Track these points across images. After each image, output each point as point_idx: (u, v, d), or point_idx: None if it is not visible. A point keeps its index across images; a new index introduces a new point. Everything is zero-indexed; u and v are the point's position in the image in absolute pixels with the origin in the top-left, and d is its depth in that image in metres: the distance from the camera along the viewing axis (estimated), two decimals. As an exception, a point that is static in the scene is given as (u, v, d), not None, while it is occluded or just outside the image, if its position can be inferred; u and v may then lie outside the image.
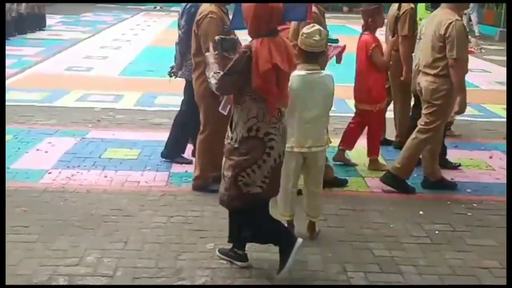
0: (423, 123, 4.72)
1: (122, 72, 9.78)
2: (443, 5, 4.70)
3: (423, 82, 4.70)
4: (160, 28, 16.42)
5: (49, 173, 4.97)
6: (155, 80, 8.89)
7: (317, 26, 3.79)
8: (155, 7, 22.35)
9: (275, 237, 3.50)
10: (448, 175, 5.20)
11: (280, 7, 3.29)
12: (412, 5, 5.62)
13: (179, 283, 3.35)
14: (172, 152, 5.31)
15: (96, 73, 9.68)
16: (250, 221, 3.47)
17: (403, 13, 5.54)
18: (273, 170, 3.41)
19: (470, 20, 15.76)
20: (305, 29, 3.77)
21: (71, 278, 3.34)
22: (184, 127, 5.24)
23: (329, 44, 5.25)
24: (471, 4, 15.38)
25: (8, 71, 9.33)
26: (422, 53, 4.77)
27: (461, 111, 4.71)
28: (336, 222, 4.19)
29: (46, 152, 5.47)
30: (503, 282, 3.46)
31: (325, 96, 3.80)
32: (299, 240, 3.41)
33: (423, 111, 4.75)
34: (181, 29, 5.00)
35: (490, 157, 5.83)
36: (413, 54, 5.22)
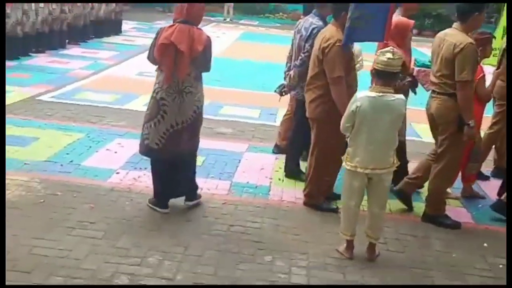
0: None
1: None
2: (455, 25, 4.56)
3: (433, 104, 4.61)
4: (228, 40, 16.71)
5: (117, 173, 5.15)
6: (222, 90, 9.08)
7: (389, 47, 3.78)
8: (225, 19, 22.80)
9: (158, 192, 4.39)
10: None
11: (193, 6, 4.21)
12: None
13: (236, 292, 3.39)
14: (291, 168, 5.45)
15: (165, 79, 9.93)
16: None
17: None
18: (170, 135, 4.20)
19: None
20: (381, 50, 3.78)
21: (133, 278, 3.45)
22: (292, 145, 5.51)
23: (419, 67, 5.28)
24: None
25: (84, 72, 9.79)
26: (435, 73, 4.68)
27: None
28: (397, 247, 4.13)
29: (116, 152, 5.67)
30: None
31: (393, 120, 3.77)
32: (165, 211, 4.32)
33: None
34: (304, 52, 5.11)
35: None
36: None
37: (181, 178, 4.41)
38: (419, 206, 4.92)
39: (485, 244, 4.34)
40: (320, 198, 4.73)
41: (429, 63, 5.70)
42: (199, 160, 5.64)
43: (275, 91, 5.64)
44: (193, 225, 4.23)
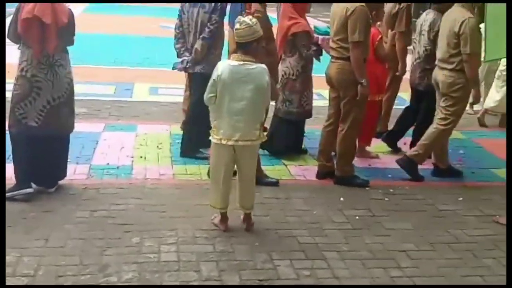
0: (442, 116, 4.99)
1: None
2: (457, 3, 4.94)
3: (440, 76, 4.97)
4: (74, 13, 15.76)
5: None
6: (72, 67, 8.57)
7: (241, 18, 3.79)
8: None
9: (21, 173, 4.24)
10: (366, 162, 5.45)
11: None
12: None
13: (105, 279, 3.28)
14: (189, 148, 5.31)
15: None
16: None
17: (401, 9, 5.85)
18: (48, 111, 4.16)
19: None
20: None
21: (-11, 280, 3.19)
22: (193, 123, 5.28)
23: (318, 35, 5.41)
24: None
25: None
26: (438, 49, 5.06)
27: (476, 102, 5.23)
28: (262, 211, 4.26)
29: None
30: (419, 264, 3.68)
31: (255, 89, 3.75)
32: (29, 190, 4.18)
33: (441, 104, 5.03)
34: (213, 23, 5.04)
35: (404, 144, 6.11)
36: (410, 48, 5.63)
37: (50, 161, 4.31)
38: (278, 169, 5.11)
39: (342, 199, 4.63)
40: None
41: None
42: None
43: (174, 68, 5.30)
44: (52, 216, 4.00)
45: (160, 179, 4.81)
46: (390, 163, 5.48)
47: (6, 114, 4.38)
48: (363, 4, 4.65)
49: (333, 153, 5.14)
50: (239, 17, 3.85)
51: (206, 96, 3.82)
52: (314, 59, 5.36)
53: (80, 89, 7.36)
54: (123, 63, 9.54)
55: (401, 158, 5.22)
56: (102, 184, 4.61)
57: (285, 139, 5.46)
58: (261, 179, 4.59)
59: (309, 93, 5.44)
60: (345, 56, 4.68)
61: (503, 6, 4.26)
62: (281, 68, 5.26)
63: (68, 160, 4.92)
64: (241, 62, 3.72)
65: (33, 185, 4.30)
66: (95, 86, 7.75)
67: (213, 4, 5.07)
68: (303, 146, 5.68)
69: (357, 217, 4.32)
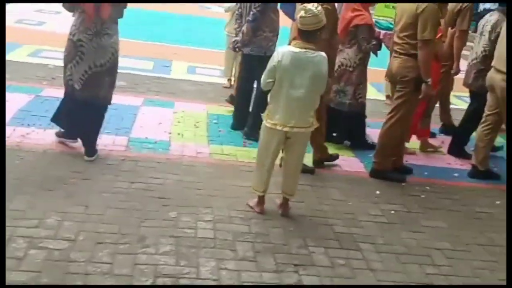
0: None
1: (76, 29, 9.42)
2: None
3: (498, 80, 4.87)
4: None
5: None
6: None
7: (307, 5, 3.72)
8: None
9: (65, 127, 4.60)
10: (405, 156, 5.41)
11: None
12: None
13: (143, 250, 3.32)
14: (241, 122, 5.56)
15: (49, 28, 9.29)
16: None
17: (465, 7, 5.71)
18: (89, 76, 4.30)
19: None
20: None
21: (32, 241, 3.25)
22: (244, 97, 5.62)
23: (379, 29, 5.37)
24: None
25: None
26: (497, 51, 4.96)
27: None
28: (297, 197, 4.23)
29: (-1, 107, 5.24)
30: (454, 263, 3.65)
31: (314, 77, 3.72)
32: (74, 143, 4.56)
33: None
34: (256, 7, 5.13)
35: (442, 142, 6.04)
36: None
37: (86, 126, 4.52)
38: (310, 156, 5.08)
39: (378, 192, 4.60)
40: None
41: (392, 26, 5.90)
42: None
43: (228, 47, 5.65)
44: (92, 184, 4.05)
45: (197, 157, 4.83)
46: (426, 161, 5.43)
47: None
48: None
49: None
50: (305, 4, 3.77)
51: (264, 80, 3.79)
52: (371, 53, 5.33)
53: (120, 63, 7.49)
54: (161, 39, 9.57)
55: (471, 171, 5.23)
56: (140, 157, 4.65)
57: (338, 130, 5.48)
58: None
59: (364, 86, 5.43)
60: (409, 52, 4.61)
61: None
62: (338, 58, 5.22)
63: (108, 131, 5.02)
64: (303, 50, 3.68)
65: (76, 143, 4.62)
66: (133, 60, 7.78)
67: None
68: (370, 141, 5.63)
69: (392, 212, 4.29)
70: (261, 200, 3.98)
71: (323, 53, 3.77)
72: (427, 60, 4.56)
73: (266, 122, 3.82)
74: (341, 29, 5.18)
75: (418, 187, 4.83)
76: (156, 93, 6.48)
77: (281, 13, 5.54)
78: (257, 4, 5.16)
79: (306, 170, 4.72)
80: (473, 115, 5.54)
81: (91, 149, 4.48)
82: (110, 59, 4.36)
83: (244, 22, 5.30)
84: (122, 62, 7.31)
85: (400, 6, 4.78)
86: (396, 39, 4.77)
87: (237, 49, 5.45)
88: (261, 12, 5.16)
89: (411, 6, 4.55)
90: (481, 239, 4.06)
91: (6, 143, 4.50)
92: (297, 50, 3.68)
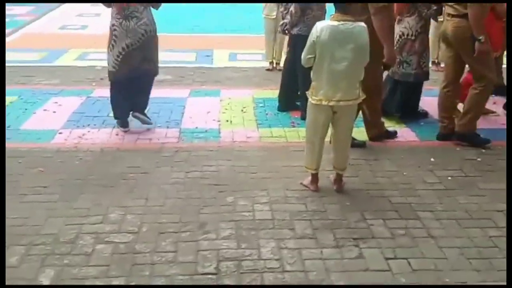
0: None
1: (117, 29, 9.65)
2: None
3: None
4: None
5: (60, 133, 4.97)
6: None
7: None
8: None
9: (115, 111, 5.01)
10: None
11: None
12: None
13: (205, 236, 3.41)
14: (287, 103, 5.65)
15: (91, 31, 9.53)
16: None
17: None
18: (123, 57, 4.78)
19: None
20: None
21: (98, 236, 3.39)
22: (289, 77, 5.58)
23: None
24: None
25: (2, 32, 9.18)
26: None
27: None
28: (351, 172, 4.24)
29: (54, 112, 5.46)
30: (519, 223, 3.57)
31: (356, 49, 3.69)
32: (125, 129, 4.98)
33: None
34: None
35: (494, 103, 5.88)
36: None
37: (137, 99, 5.05)
38: (360, 131, 5.04)
39: (432, 159, 4.54)
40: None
41: None
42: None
43: (279, 31, 5.68)
44: (150, 177, 4.18)
45: (247, 141, 4.89)
46: (480, 123, 5.29)
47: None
48: None
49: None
50: None
51: (304, 57, 3.79)
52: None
53: (163, 57, 7.58)
54: (200, 30, 9.67)
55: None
56: (192, 146, 4.75)
57: (401, 102, 5.40)
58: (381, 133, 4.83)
59: (427, 54, 5.37)
60: (461, 13, 4.55)
61: None
62: (398, 29, 5.15)
63: (159, 124, 5.15)
64: (341, 22, 3.66)
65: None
66: (176, 53, 7.92)
67: None
68: (420, 109, 5.59)
69: (449, 178, 4.23)
70: (314, 178, 4.01)
71: (362, 23, 3.74)
72: (477, 18, 4.47)
73: (312, 99, 3.82)
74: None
75: (474, 150, 4.74)
76: (201, 83, 6.58)
77: None
78: None
79: (356, 144, 4.70)
80: None
81: (145, 116, 5.07)
82: (141, 39, 4.80)
83: (291, 4, 5.27)
84: (165, 56, 7.56)
85: None
86: (448, 1, 4.69)
87: (286, 31, 5.41)
88: None
89: None
90: (544, 197, 3.95)
91: (65, 146, 4.69)
92: (336, 23, 3.66)
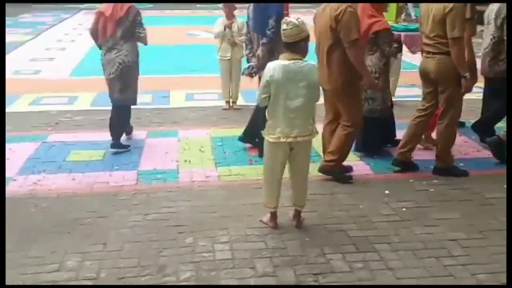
0: None
1: (72, 73, 9.60)
2: None
3: None
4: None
5: (14, 180, 4.87)
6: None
7: (288, 18, 3.85)
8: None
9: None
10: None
11: None
12: None
13: (164, 279, 3.38)
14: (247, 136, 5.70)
15: (45, 75, 9.45)
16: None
17: None
18: (108, 82, 5.59)
19: (406, 3, 16.11)
20: None
21: (55, 284, 3.32)
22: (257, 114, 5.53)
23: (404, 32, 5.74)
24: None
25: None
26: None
27: None
28: (309, 207, 4.29)
29: (8, 159, 5.34)
30: (472, 252, 3.69)
31: (308, 86, 3.81)
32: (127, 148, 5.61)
33: None
34: (270, 29, 5.20)
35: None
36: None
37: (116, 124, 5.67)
38: (312, 165, 5.14)
39: (387, 191, 4.66)
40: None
41: (412, 27, 6.30)
42: (100, 154, 5.52)
43: (243, 73, 5.68)
44: (107, 221, 4.13)
45: (207, 181, 4.91)
46: (430, 155, 5.46)
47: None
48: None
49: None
50: (285, 18, 3.91)
51: (259, 97, 3.88)
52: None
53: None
54: (156, 72, 9.71)
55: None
56: (151, 188, 4.73)
57: (373, 136, 5.52)
58: (336, 172, 4.91)
59: (389, 90, 5.60)
60: (444, 51, 4.75)
61: None
62: None
63: (117, 167, 5.13)
64: (292, 61, 3.78)
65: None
66: (132, 95, 7.91)
67: (268, 9, 5.19)
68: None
69: (404, 209, 4.34)
70: (274, 215, 4.05)
71: (312, 62, 3.88)
72: (461, 56, 4.71)
73: (269, 138, 3.89)
74: (361, 37, 5.28)
75: (426, 181, 4.88)
76: (159, 124, 6.59)
77: None
78: (270, 26, 5.20)
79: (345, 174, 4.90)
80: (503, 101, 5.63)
81: (118, 143, 5.59)
82: (118, 68, 5.46)
83: (256, 47, 5.36)
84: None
85: (424, 7, 4.94)
86: (426, 40, 4.91)
87: (254, 74, 5.42)
88: (275, 33, 5.10)
89: (438, 6, 4.71)
90: (495, 224, 4.10)
91: (20, 193, 4.60)
92: (287, 62, 3.78)
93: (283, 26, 3.79)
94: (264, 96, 3.83)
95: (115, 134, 5.59)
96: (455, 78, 4.75)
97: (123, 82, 5.49)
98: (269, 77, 3.77)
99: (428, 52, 4.90)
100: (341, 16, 4.53)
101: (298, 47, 3.79)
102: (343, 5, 4.55)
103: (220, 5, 7.35)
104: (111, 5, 5.42)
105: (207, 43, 10.56)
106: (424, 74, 5.01)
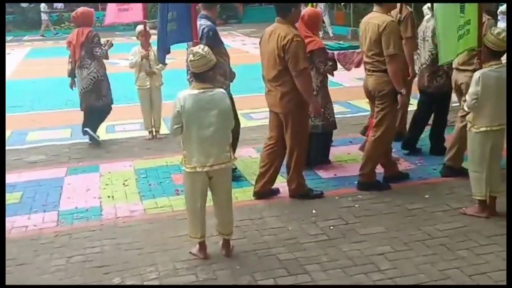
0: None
1: (-17, 111, 9.15)
2: None
3: (463, 78, 5.13)
4: (15, 60, 15.63)
5: None
6: (23, 115, 8.48)
7: (194, 49, 3.85)
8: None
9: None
10: (332, 172, 5.57)
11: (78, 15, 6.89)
12: (411, 9, 6.11)
13: (92, 324, 3.23)
14: None
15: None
16: None
17: (405, 16, 5.96)
18: (82, 95, 6.82)
19: (323, 22, 16.62)
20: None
21: None
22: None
23: (337, 51, 6.00)
24: (323, 7, 16.47)
25: None
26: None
27: None
28: (238, 234, 4.27)
29: None
30: (398, 264, 3.78)
31: (220, 114, 3.80)
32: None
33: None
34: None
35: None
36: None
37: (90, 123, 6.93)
38: (246, 190, 5.14)
39: (314, 211, 4.71)
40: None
41: (345, 45, 6.52)
42: (16, 196, 5.25)
43: (142, 101, 5.95)
44: (27, 268, 3.92)
45: (132, 216, 4.78)
46: (354, 171, 5.59)
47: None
48: (393, 19, 5.01)
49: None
50: (191, 48, 3.93)
51: (171, 128, 3.84)
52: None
53: (35, 137, 7.36)
54: (74, 105, 9.42)
55: (444, 170, 5.40)
56: (73, 229, 4.54)
57: (315, 151, 5.63)
58: (309, 193, 4.98)
59: (330, 105, 5.71)
60: (381, 68, 4.89)
61: (448, 7, 4.46)
62: None
63: (35, 209, 4.90)
64: (201, 90, 3.78)
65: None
66: (49, 131, 7.64)
67: (200, 33, 5.11)
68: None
69: (331, 227, 4.40)
70: (202, 246, 3.98)
71: (221, 90, 3.91)
72: (397, 73, 4.86)
73: (186, 168, 3.85)
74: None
75: (351, 197, 4.98)
76: (78, 160, 6.37)
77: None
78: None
79: (317, 195, 5.00)
80: (441, 117, 5.95)
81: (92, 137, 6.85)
82: (91, 83, 6.70)
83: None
84: (38, 135, 7.29)
85: (362, 27, 5.08)
86: (365, 59, 5.06)
87: None
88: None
89: (373, 26, 4.86)
90: (418, 235, 4.23)
91: None
92: (196, 91, 3.78)
93: (190, 57, 3.79)
94: (176, 126, 3.80)
95: (91, 125, 6.86)
96: (391, 95, 4.91)
97: (97, 92, 6.73)
98: (180, 107, 3.74)
99: (368, 70, 5.09)
100: (288, 46, 4.58)
101: (206, 76, 3.81)
102: (290, 34, 4.61)
103: (136, 32, 7.27)
104: (75, 33, 6.71)
105: (124, 71, 10.38)
106: (366, 91, 5.20)
